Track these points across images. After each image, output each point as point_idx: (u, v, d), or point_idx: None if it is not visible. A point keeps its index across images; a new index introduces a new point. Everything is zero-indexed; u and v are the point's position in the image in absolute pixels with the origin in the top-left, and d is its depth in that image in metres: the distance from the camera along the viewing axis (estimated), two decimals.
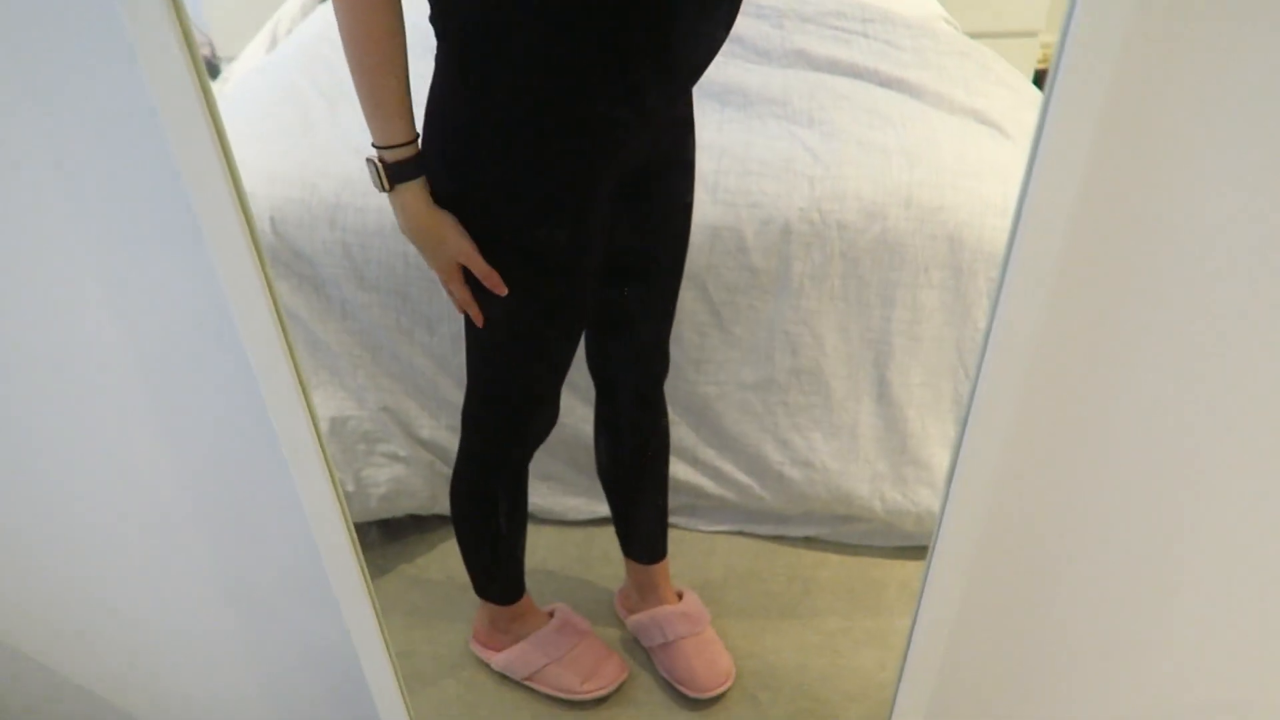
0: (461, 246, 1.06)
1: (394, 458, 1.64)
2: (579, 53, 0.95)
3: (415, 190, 1.03)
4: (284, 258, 1.56)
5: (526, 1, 0.93)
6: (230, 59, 2.50)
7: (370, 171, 1.03)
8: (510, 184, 1.04)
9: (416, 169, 1.02)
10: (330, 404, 1.61)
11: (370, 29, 0.94)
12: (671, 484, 1.53)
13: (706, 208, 1.55)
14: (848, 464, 1.61)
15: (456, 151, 1.03)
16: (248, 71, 2.11)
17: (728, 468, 1.64)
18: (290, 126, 1.72)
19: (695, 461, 1.63)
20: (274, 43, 2.24)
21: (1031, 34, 2.22)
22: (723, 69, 1.77)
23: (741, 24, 1.91)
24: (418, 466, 1.64)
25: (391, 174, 1.01)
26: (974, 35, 2.23)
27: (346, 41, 0.96)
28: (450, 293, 1.12)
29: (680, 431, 1.66)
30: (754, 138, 1.65)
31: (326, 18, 2.23)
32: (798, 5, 2.02)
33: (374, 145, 1.01)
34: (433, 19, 1.00)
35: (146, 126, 0.85)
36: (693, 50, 1.02)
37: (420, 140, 1.03)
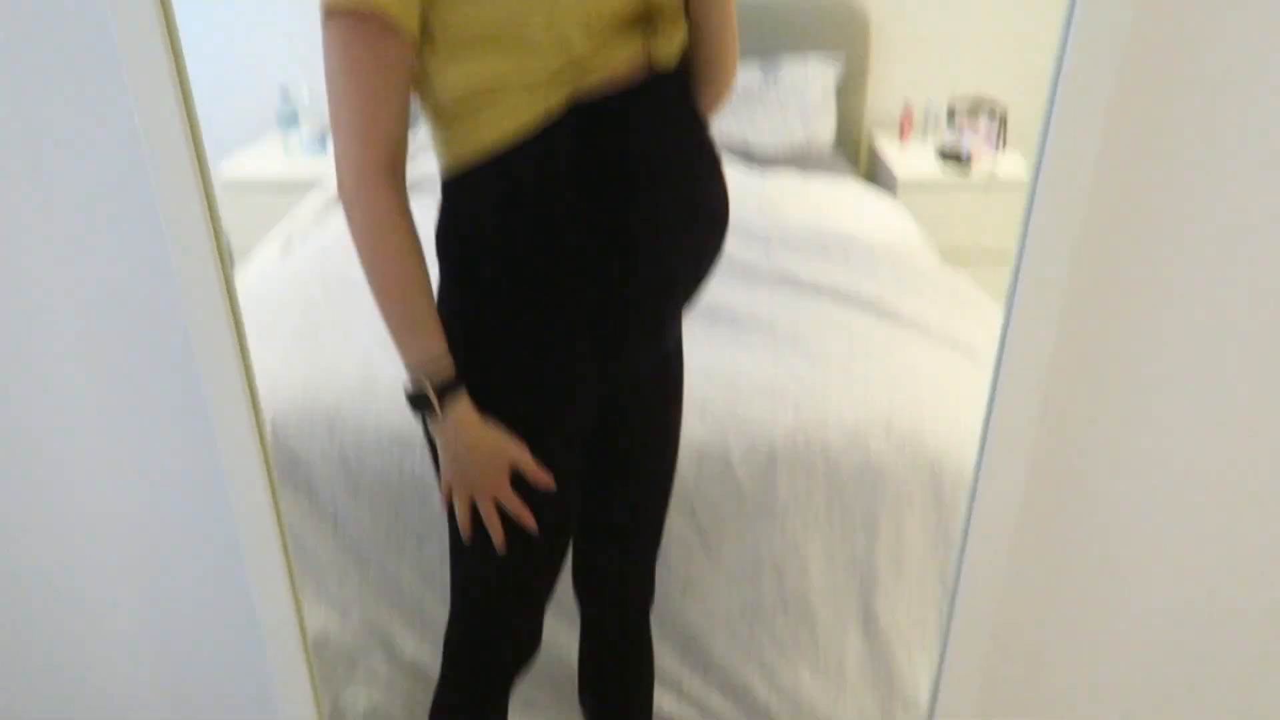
0: (519, 453, 1.02)
1: (374, 678, 1.61)
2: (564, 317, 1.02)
3: (465, 404, 0.99)
4: (281, 463, 1.60)
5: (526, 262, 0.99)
6: (244, 251, 2.62)
7: (417, 414, 1.00)
8: (512, 383, 1.05)
9: (459, 379, 0.99)
10: (314, 617, 1.60)
11: (390, 251, 0.96)
12: (656, 715, 1.51)
13: (694, 427, 1.60)
14: (835, 702, 1.59)
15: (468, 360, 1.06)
16: (261, 273, 2.21)
17: (714, 701, 1.62)
18: (299, 333, 1.79)
19: (681, 693, 1.61)
20: (288, 244, 2.35)
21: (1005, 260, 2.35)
22: (713, 289, 1.87)
23: (731, 245, 2.02)
24: (397, 692, 1.61)
25: (441, 392, 0.98)
26: (949, 251, 2.36)
27: (368, 268, 0.98)
28: (491, 511, 1.05)
29: (666, 659, 1.64)
30: (741, 359, 1.73)
31: (343, 225, 2.36)
32: (782, 230, 2.16)
33: (412, 373, 0.99)
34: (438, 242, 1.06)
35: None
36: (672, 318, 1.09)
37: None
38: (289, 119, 2.97)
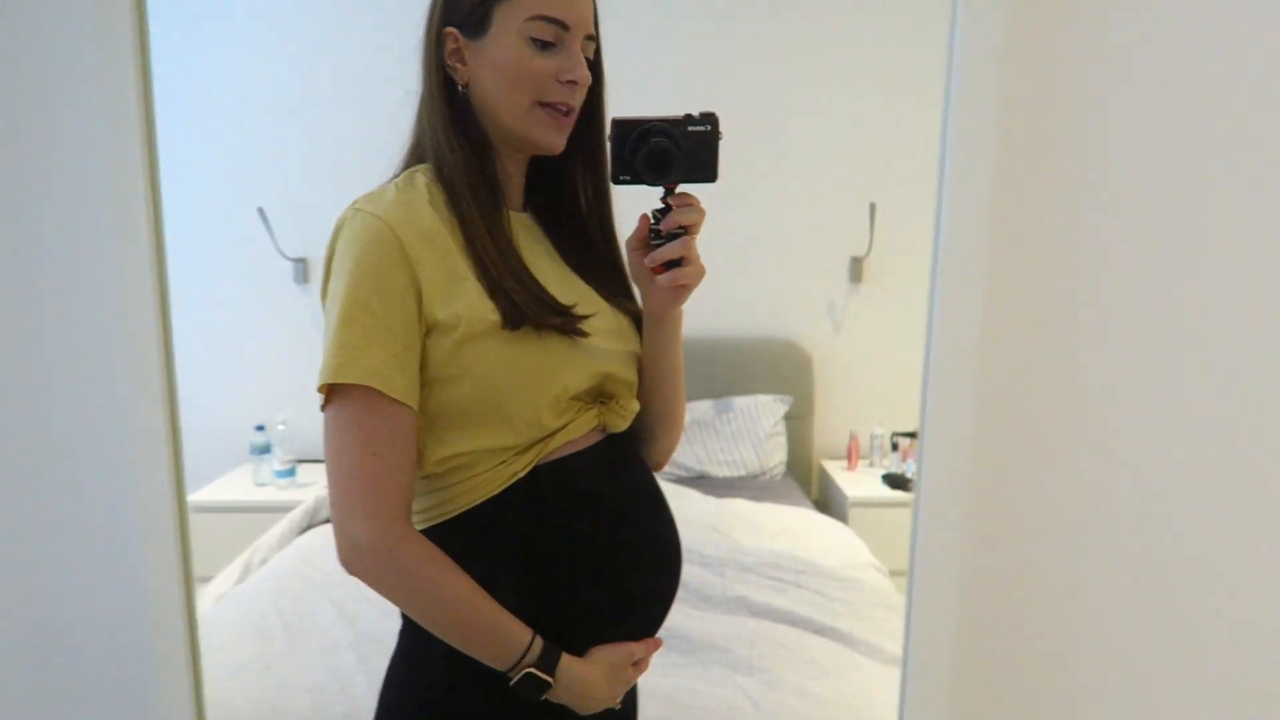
0: (624, 651, 1.02)
1: None
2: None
3: (565, 660, 0.97)
4: None
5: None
6: (205, 579, 2.61)
7: (530, 686, 0.96)
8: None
9: (546, 645, 0.97)
10: None
11: (445, 587, 0.94)
12: None
13: None
14: None
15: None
16: (216, 598, 2.21)
17: None
18: (250, 663, 1.77)
19: None
20: (246, 572, 2.37)
21: None
22: (670, 616, 1.90)
23: (687, 572, 2.09)
24: None
25: (546, 668, 0.96)
26: (900, 571, 2.42)
27: (429, 617, 0.96)
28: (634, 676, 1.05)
29: None
30: (698, 684, 1.73)
31: (302, 548, 2.39)
32: (737, 556, 2.22)
33: (515, 672, 0.95)
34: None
35: None
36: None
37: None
38: (262, 450, 3.10)
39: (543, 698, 0.97)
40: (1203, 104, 0.91)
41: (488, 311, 0.95)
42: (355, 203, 0.97)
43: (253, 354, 3.29)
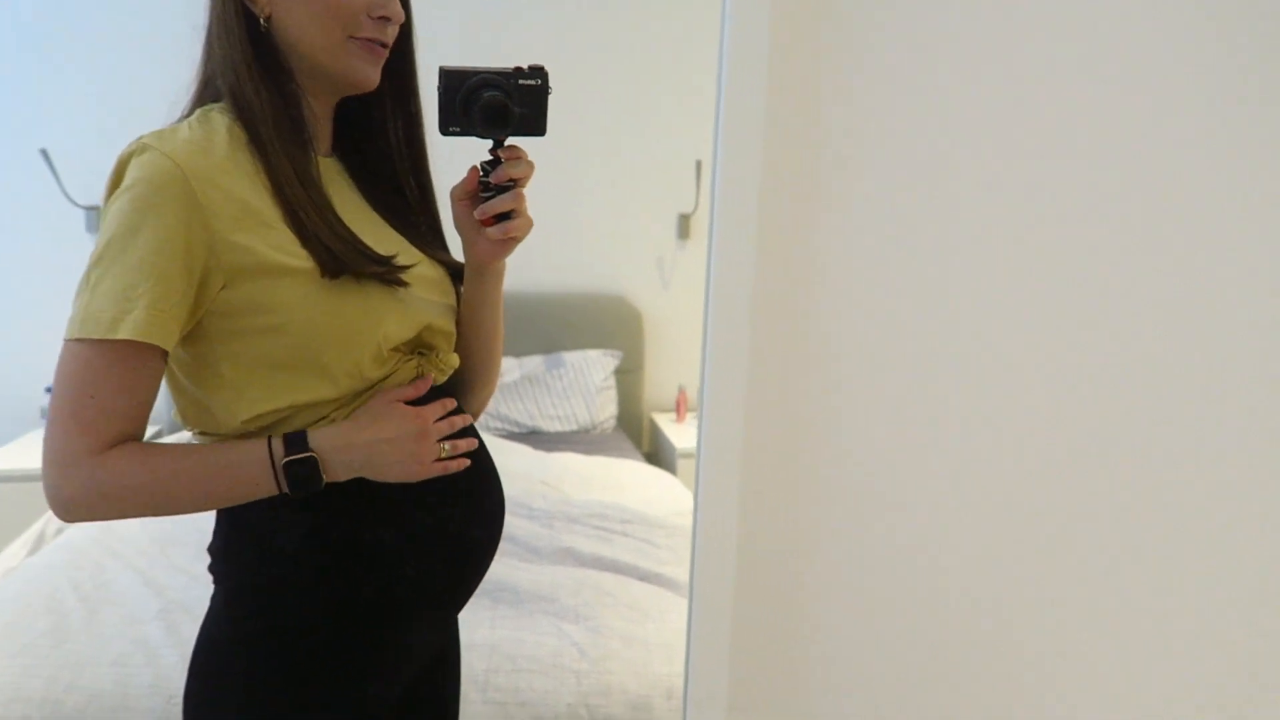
0: (391, 393, 0.98)
1: None
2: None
3: (323, 435, 0.93)
4: None
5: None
6: None
7: (300, 477, 0.92)
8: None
9: (291, 437, 0.93)
10: None
11: (145, 479, 0.89)
12: None
13: (477, 708, 1.58)
14: None
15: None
16: (4, 573, 2.04)
17: None
18: (40, 639, 1.65)
19: None
20: (40, 543, 2.20)
21: None
22: (495, 567, 1.91)
23: (513, 524, 2.10)
24: None
25: (296, 449, 0.92)
26: None
27: (173, 509, 0.93)
28: (437, 455, 1.00)
29: None
30: (524, 635, 1.74)
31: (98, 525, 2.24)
32: (565, 507, 2.25)
33: (270, 482, 0.92)
34: (212, 568, 1.03)
35: None
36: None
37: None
38: None
39: (333, 478, 0.93)
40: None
41: (301, 260, 0.91)
42: (142, 138, 0.90)
43: (40, 311, 3.02)
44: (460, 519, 1.05)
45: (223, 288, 0.90)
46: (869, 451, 1.06)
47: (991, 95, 0.99)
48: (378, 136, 1.08)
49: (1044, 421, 1.06)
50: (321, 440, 0.93)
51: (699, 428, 1.01)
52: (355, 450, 0.94)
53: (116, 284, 0.85)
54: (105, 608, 1.75)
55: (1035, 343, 1.04)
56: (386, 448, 0.96)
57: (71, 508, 0.88)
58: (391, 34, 0.99)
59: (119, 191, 0.88)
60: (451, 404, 1.04)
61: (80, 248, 2.97)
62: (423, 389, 1.01)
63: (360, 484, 0.97)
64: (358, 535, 0.99)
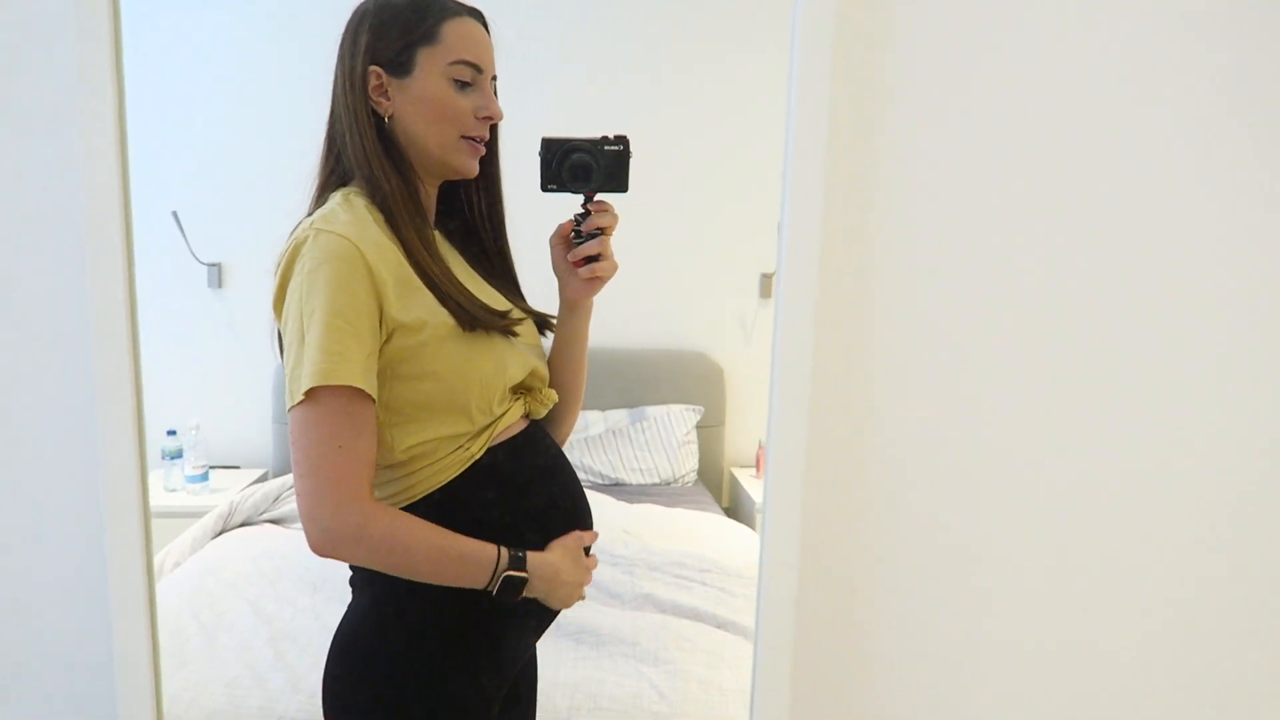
0: (572, 536, 1.17)
1: None
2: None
3: (536, 558, 1.10)
4: None
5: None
6: None
7: (510, 587, 1.08)
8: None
9: (514, 552, 1.08)
10: None
11: (405, 541, 1.04)
12: None
13: None
14: None
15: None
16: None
17: None
18: (166, 661, 1.79)
19: None
20: (159, 575, 2.37)
21: None
22: (578, 610, 1.99)
23: (596, 570, 2.18)
24: None
25: (516, 564, 1.07)
26: None
27: (403, 574, 1.06)
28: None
29: None
30: (605, 675, 1.82)
31: (217, 552, 2.41)
32: (646, 555, 2.32)
33: (491, 583, 1.07)
34: (353, 580, 1.18)
35: None
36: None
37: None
38: (173, 455, 3.07)
39: (522, 595, 1.09)
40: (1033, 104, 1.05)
41: (443, 318, 1.07)
42: (313, 224, 1.05)
43: (164, 358, 3.26)
44: (571, 521, 1.21)
45: (385, 341, 1.05)
46: (926, 506, 1.12)
47: (1036, 162, 1.07)
48: (466, 210, 1.25)
49: (1118, 478, 1.11)
50: (535, 566, 1.10)
51: (764, 482, 1.10)
52: (554, 585, 1.13)
53: (330, 345, 0.99)
54: (220, 634, 1.89)
55: (1106, 405, 1.09)
56: (566, 589, 1.15)
57: (339, 543, 1.01)
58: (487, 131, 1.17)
59: (308, 271, 1.02)
60: (595, 536, 1.23)
61: (203, 302, 3.24)
62: (592, 539, 1.22)
63: (484, 520, 1.11)
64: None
